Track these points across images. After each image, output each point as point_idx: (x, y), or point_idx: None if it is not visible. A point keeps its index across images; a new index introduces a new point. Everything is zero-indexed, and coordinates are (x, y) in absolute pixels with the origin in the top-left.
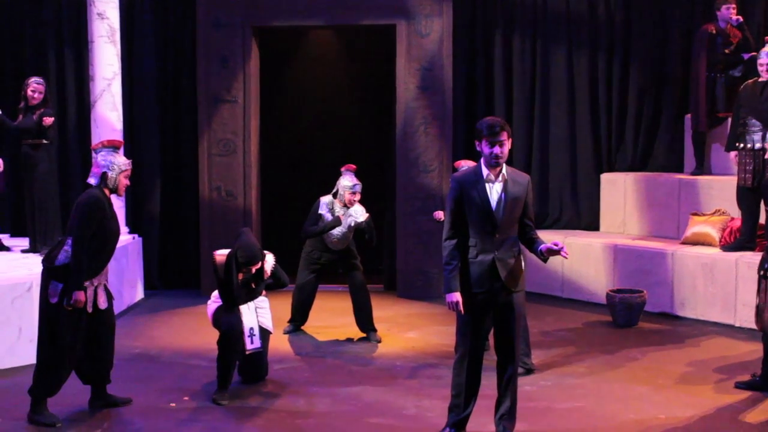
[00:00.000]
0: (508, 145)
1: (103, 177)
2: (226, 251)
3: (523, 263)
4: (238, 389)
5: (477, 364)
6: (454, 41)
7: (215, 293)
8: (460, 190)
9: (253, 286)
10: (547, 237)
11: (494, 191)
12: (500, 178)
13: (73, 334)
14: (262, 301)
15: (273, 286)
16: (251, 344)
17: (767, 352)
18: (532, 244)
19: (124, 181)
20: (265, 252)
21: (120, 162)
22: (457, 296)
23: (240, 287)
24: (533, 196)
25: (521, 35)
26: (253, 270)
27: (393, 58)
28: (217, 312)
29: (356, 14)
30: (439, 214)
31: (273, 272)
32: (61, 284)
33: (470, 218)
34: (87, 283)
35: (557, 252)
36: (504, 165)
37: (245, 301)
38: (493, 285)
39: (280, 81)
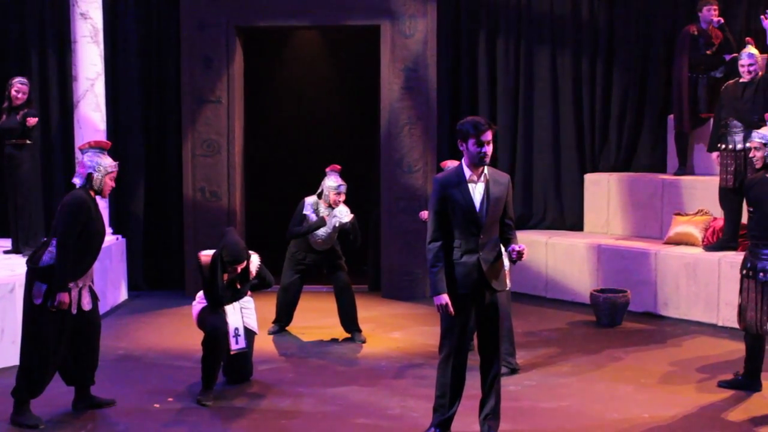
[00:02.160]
0: (491, 146)
1: (89, 178)
2: (211, 251)
3: (506, 263)
4: (222, 390)
5: (461, 364)
6: (439, 42)
7: (200, 294)
8: (443, 191)
9: (239, 286)
10: (532, 238)
11: (477, 192)
12: (482, 178)
13: (57, 336)
14: (248, 301)
15: (258, 286)
16: (236, 345)
17: (749, 351)
18: (507, 244)
19: (110, 183)
20: (251, 252)
21: (106, 163)
22: (445, 298)
23: (225, 288)
24: (512, 195)
25: (505, 36)
26: (239, 270)
27: (377, 59)
28: (202, 313)
29: (340, 15)
30: (425, 214)
31: (258, 272)
32: (45, 285)
33: (454, 220)
34: (71, 285)
35: (520, 257)
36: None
37: (230, 302)
38: (477, 285)
39: (265, 81)
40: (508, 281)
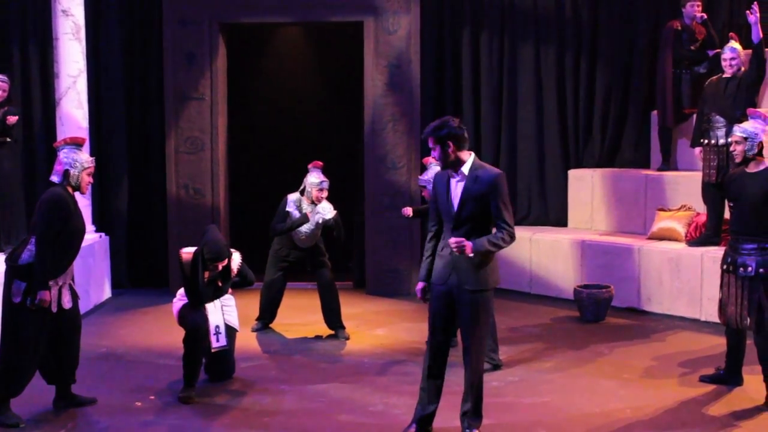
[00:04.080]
0: (441, 151)
1: (66, 175)
2: (192, 249)
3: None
4: (204, 387)
5: (435, 358)
6: (422, 38)
7: (181, 291)
8: (434, 185)
9: (220, 284)
10: (516, 233)
11: (456, 187)
12: (461, 175)
13: (37, 334)
14: (228, 299)
15: (239, 284)
16: (217, 342)
17: (730, 346)
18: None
19: (87, 179)
20: (232, 250)
21: (82, 159)
22: (419, 285)
23: (206, 285)
24: (505, 196)
25: (489, 32)
26: (220, 267)
27: (361, 56)
28: (183, 310)
29: (324, 11)
30: (408, 211)
31: (239, 270)
32: (24, 283)
33: (440, 213)
34: (51, 283)
35: (460, 250)
36: (470, 162)
37: (211, 300)
38: (448, 280)
39: (248, 78)
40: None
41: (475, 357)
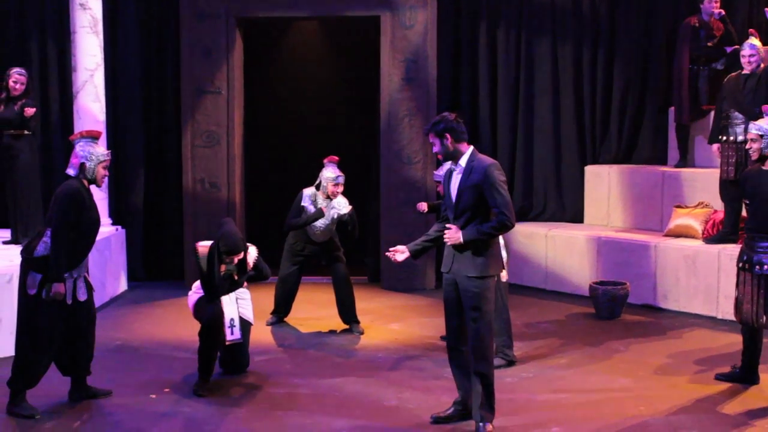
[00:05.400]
0: (440, 144)
1: (82, 168)
2: (209, 242)
3: (504, 254)
4: (219, 381)
5: (452, 343)
6: (439, 33)
7: (197, 284)
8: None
9: (236, 277)
10: (532, 229)
11: (456, 179)
12: (459, 168)
13: (52, 326)
14: (243, 292)
15: (255, 278)
16: (231, 335)
17: (746, 344)
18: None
19: (103, 172)
20: (248, 244)
21: (98, 152)
22: (401, 249)
23: (222, 278)
24: (502, 182)
25: (506, 27)
26: (236, 260)
27: (377, 50)
28: (199, 303)
29: (341, 6)
30: (423, 206)
31: (255, 264)
32: (39, 275)
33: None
34: (66, 275)
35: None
36: (468, 154)
37: (227, 293)
38: (452, 268)
39: (264, 72)
40: (504, 273)
41: (478, 344)
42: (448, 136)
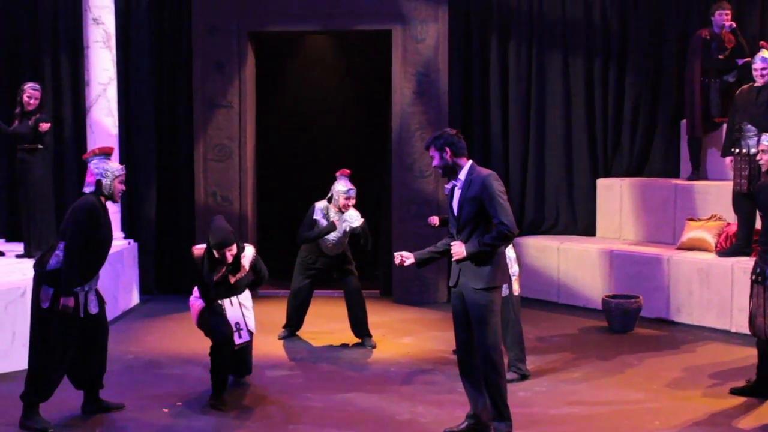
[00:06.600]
0: (440, 157)
1: (98, 185)
2: (204, 245)
3: (516, 268)
4: (232, 394)
5: (462, 356)
6: (450, 46)
7: (196, 289)
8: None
9: (232, 281)
10: (544, 243)
11: (456, 194)
12: (459, 182)
13: (65, 339)
14: (247, 299)
15: (255, 283)
16: (239, 339)
17: (761, 357)
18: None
19: (119, 187)
20: (246, 245)
21: (113, 168)
22: (408, 255)
23: (217, 282)
24: (500, 192)
25: (517, 40)
26: (229, 256)
27: (389, 64)
28: (203, 317)
29: (351, 20)
30: (435, 220)
31: (254, 265)
32: (52, 289)
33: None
34: (77, 289)
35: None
36: (466, 168)
37: (224, 296)
38: (458, 281)
39: (276, 86)
40: (516, 286)
41: (485, 354)
42: (447, 150)
